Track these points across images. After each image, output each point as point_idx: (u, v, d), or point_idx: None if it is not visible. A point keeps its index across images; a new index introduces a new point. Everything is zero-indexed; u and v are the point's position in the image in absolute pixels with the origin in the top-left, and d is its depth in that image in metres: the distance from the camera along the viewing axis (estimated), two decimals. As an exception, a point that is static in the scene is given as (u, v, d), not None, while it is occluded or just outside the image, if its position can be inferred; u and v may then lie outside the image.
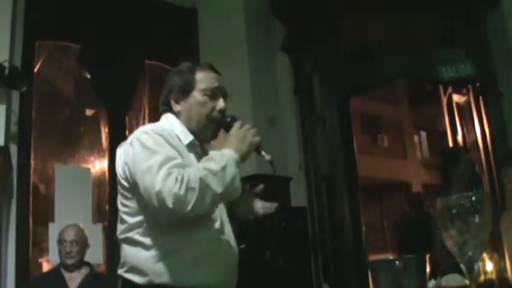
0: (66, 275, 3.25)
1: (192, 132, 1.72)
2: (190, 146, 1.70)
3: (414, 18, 4.38)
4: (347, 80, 4.40)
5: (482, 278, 3.39)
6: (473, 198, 1.22)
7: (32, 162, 4.01)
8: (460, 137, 4.79)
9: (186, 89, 1.73)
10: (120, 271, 1.65)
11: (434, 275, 2.71)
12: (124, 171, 1.62)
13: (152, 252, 1.58)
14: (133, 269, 1.61)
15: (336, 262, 4.23)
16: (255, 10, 4.92)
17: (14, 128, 3.70)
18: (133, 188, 1.59)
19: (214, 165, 1.54)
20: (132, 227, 1.62)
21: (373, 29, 4.60)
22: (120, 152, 1.68)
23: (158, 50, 4.66)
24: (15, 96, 3.76)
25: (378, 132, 11.25)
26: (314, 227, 4.47)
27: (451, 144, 5.18)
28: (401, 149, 11.69)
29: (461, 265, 1.22)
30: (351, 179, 4.29)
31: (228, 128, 1.70)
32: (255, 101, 4.62)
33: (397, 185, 10.78)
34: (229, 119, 1.72)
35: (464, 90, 4.42)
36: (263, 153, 1.70)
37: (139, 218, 1.61)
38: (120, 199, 1.68)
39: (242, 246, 1.77)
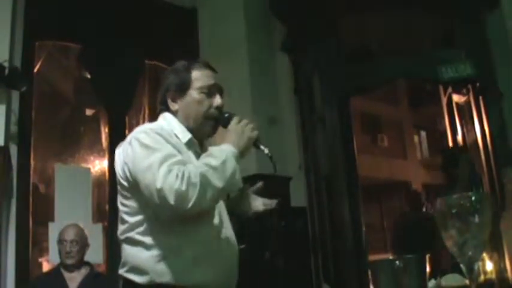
0: (66, 275, 3.25)
1: (190, 130, 1.72)
2: (189, 144, 1.71)
3: (414, 18, 4.38)
4: (347, 80, 4.40)
5: (482, 278, 3.39)
6: (473, 198, 1.22)
7: (32, 162, 4.00)
8: (460, 137, 4.79)
9: (183, 88, 1.73)
10: (121, 271, 1.66)
11: (434, 275, 2.71)
12: (123, 171, 1.62)
13: (153, 252, 1.58)
14: (134, 269, 1.61)
15: (336, 262, 4.23)
16: (255, 10, 4.92)
17: (13, 128, 3.70)
18: (133, 188, 1.59)
19: (214, 161, 1.54)
20: (133, 227, 1.62)
21: (373, 29, 4.60)
22: (119, 151, 1.68)
23: (158, 50, 4.65)
24: (15, 96, 3.75)
25: (378, 132, 11.27)
26: (314, 227, 4.47)
27: (450, 144, 5.18)
28: (401, 149, 11.70)
29: (461, 265, 1.22)
30: (351, 179, 4.30)
31: (225, 124, 1.71)
32: (255, 101, 4.62)
33: (397, 185, 10.79)
34: (226, 115, 1.73)
35: (464, 90, 4.42)
36: (262, 147, 1.71)
37: (139, 218, 1.62)
38: (120, 199, 1.69)
39: (242, 246, 1.78)
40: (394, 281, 1.46)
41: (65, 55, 5.10)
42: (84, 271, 3.29)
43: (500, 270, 3.69)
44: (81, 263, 3.29)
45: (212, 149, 1.63)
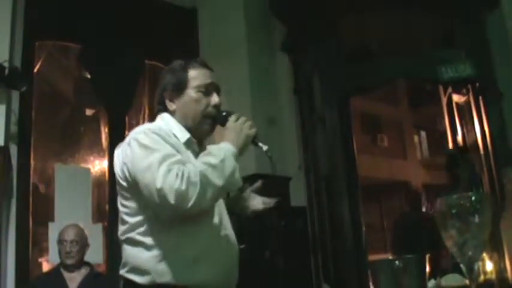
0: (66, 275, 3.25)
1: (188, 129, 1.73)
2: (188, 144, 1.71)
3: (414, 18, 4.38)
4: (347, 80, 4.40)
5: (482, 278, 3.39)
6: (473, 198, 1.22)
7: (32, 162, 4.00)
8: (460, 137, 4.79)
9: (180, 87, 1.74)
10: (121, 271, 1.66)
11: (434, 275, 2.71)
12: (123, 172, 1.63)
13: (154, 252, 1.59)
14: (135, 269, 1.61)
15: (336, 262, 4.23)
16: (255, 10, 4.92)
17: (13, 128, 3.70)
18: (133, 188, 1.59)
19: (213, 159, 1.55)
20: (133, 227, 1.62)
21: (373, 29, 4.60)
22: (118, 152, 1.68)
23: (158, 50, 4.65)
24: (15, 96, 3.75)
25: (377, 132, 11.26)
26: (314, 226, 4.47)
27: (451, 144, 5.17)
28: (401, 149, 11.69)
29: (461, 265, 1.22)
30: (351, 179, 4.29)
31: (223, 123, 1.71)
32: (254, 101, 4.62)
33: (397, 185, 10.77)
34: (224, 114, 1.73)
35: (464, 90, 4.42)
36: (260, 144, 1.71)
37: (139, 218, 1.62)
38: (119, 200, 1.69)
39: (242, 246, 1.78)
40: (394, 281, 1.46)
41: (65, 55, 5.10)
42: (84, 271, 3.29)
43: (500, 270, 3.69)
44: (81, 263, 3.29)
45: (211, 148, 1.63)
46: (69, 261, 3.24)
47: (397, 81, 7.16)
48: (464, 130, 4.64)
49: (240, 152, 1.63)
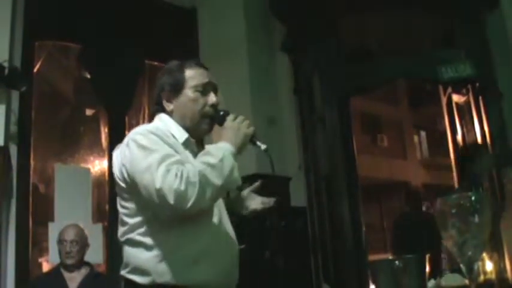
0: (66, 275, 3.24)
1: (186, 129, 1.72)
2: (186, 144, 1.71)
3: (414, 18, 4.38)
4: (347, 80, 4.40)
5: (482, 278, 3.39)
6: (473, 198, 1.22)
7: (32, 162, 4.00)
8: (459, 137, 4.79)
9: (177, 88, 1.74)
10: (122, 272, 1.66)
11: (434, 275, 2.71)
12: (121, 173, 1.62)
13: (154, 252, 1.58)
14: (136, 270, 1.61)
15: (336, 262, 4.23)
16: (255, 10, 4.92)
17: (13, 128, 3.70)
18: (132, 189, 1.59)
19: (211, 159, 1.55)
20: (133, 228, 1.62)
21: (373, 29, 4.60)
22: (117, 153, 1.68)
23: (158, 50, 4.65)
24: (15, 96, 3.75)
25: (377, 132, 11.27)
26: (314, 227, 4.47)
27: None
28: (401, 149, 11.70)
29: (461, 265, 1.22)
30: (351, 179, 4.30)
31: (221, 122, 1.71)
32: (254, 101, 4.62)
33: (397, 185, 10.79)
34: (222, 113, 1.72)
35: (464, 90, 4.42)
36: (258, 143, 1.71)
37: (139, 219, 1.62)
38: (119, 201, 1.69)
39: (242, 246, 1.78)
40: (393, 281, 1.46)
41: (65, 55, 5.10)
42: (84, 271, 3.28)
43: (500, 270, 3.69)
44: (81, 263, 3.29)
45: (209, 147, 1.63)
46: (69, 261, 3.23)
47: (397, 81, 7.17)
48: (464, 130, 4.64)
49: (239, 151, 1.63)
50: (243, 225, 1.88)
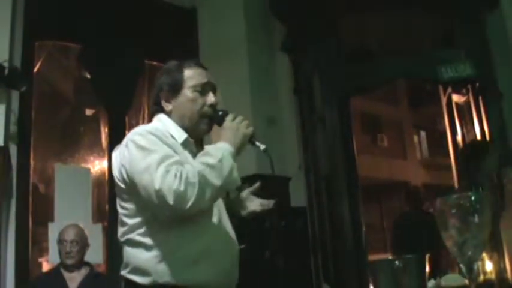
0: (66, 275, 3.24)
1: (185, 129, 1.72)
2: (185, 144, 1.70)
3: (414, 18, 4.38)
4: (347, 80, 4.40)
5: (481, 278, 3.39)
6: (473, 198, 1.21)
7: (32, 162, 4.00)
8: (459, 137, 4.78)
9: (176, 88, 1.73)
10: (123, 272, 1.66)
11: (434, 275, 2.71)
12: (121, 173, 1.62)
13: (154, 252, 1.58)
14: (136, 270, 1.61)
15: (336, 262, 4.23)
16: (255, 10, 4.92)
17: (13, 128, 3.70)
18: (131, 189, 1.59)
19: (210, 159, 1.55)
20: (133, 229, 1.62)
21: (373, 29, 4.60)
22: (116, 154, 1.68)
23: (158, 50, 4.65)
24: (15, 96, 3.75)
25: (377, 132, 11.27)
26: (314, 227, 4.47)
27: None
28: (401, 149, 11.70)
29: (461, 265, 1.22)
30: (351, 179, 4.29)
31: (220, 122, 1.70)
32: (254, 101, 4.62)
33: (397, 185, 10.79)
34: (221, 113, 1.72)
35: (464, 90, 4.42)
36: (257, 143, 1.70)
37: (138, 219, 1.62)
38: (118, 201, 1.69)
39: (242, 246, 1.78)
40: (393, 281, 1.46)
41: (65, 55, 5.11)
42: (84, 271, 3.29)
43: (500, 270, 3.69)
44: (81, 263, 3.29)
45: (208, 148, 1.63)
46: (69, 261, 3.23)
47: (397, 81, 7.17)
48: (464, 130, 4.64)
49: (238, 152, 1.63)
50: (243, 225, 1.88)
